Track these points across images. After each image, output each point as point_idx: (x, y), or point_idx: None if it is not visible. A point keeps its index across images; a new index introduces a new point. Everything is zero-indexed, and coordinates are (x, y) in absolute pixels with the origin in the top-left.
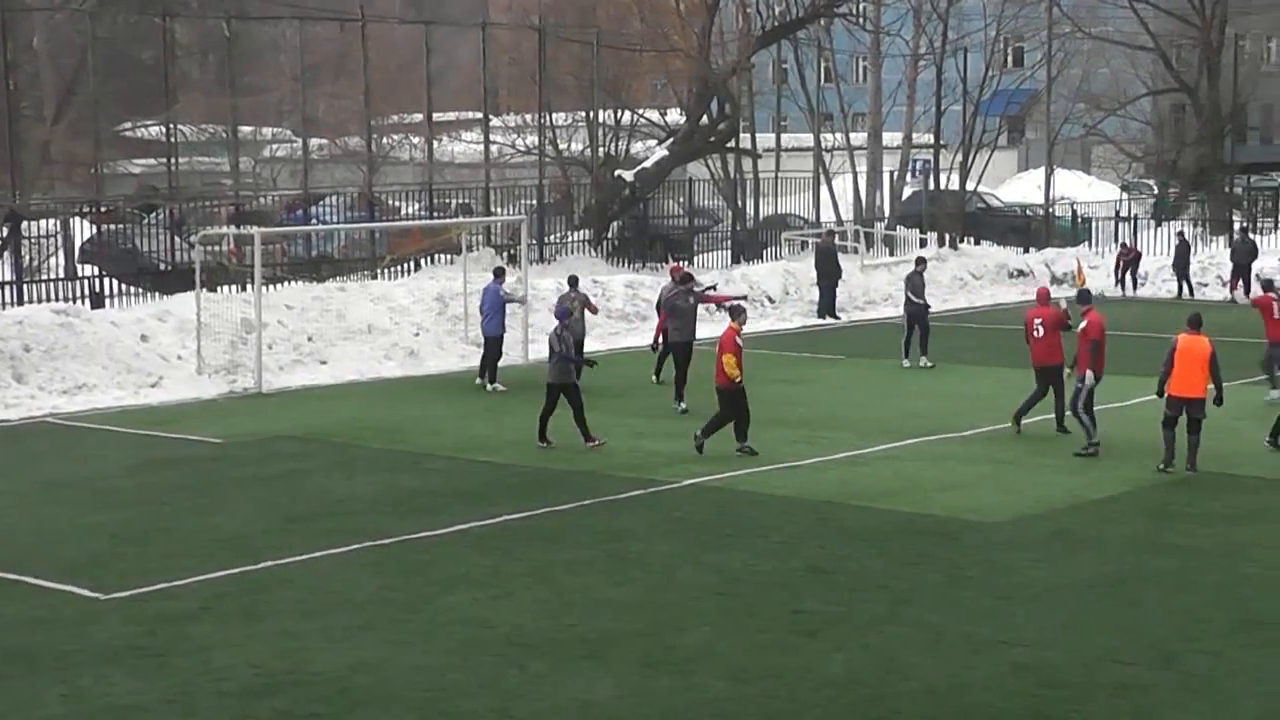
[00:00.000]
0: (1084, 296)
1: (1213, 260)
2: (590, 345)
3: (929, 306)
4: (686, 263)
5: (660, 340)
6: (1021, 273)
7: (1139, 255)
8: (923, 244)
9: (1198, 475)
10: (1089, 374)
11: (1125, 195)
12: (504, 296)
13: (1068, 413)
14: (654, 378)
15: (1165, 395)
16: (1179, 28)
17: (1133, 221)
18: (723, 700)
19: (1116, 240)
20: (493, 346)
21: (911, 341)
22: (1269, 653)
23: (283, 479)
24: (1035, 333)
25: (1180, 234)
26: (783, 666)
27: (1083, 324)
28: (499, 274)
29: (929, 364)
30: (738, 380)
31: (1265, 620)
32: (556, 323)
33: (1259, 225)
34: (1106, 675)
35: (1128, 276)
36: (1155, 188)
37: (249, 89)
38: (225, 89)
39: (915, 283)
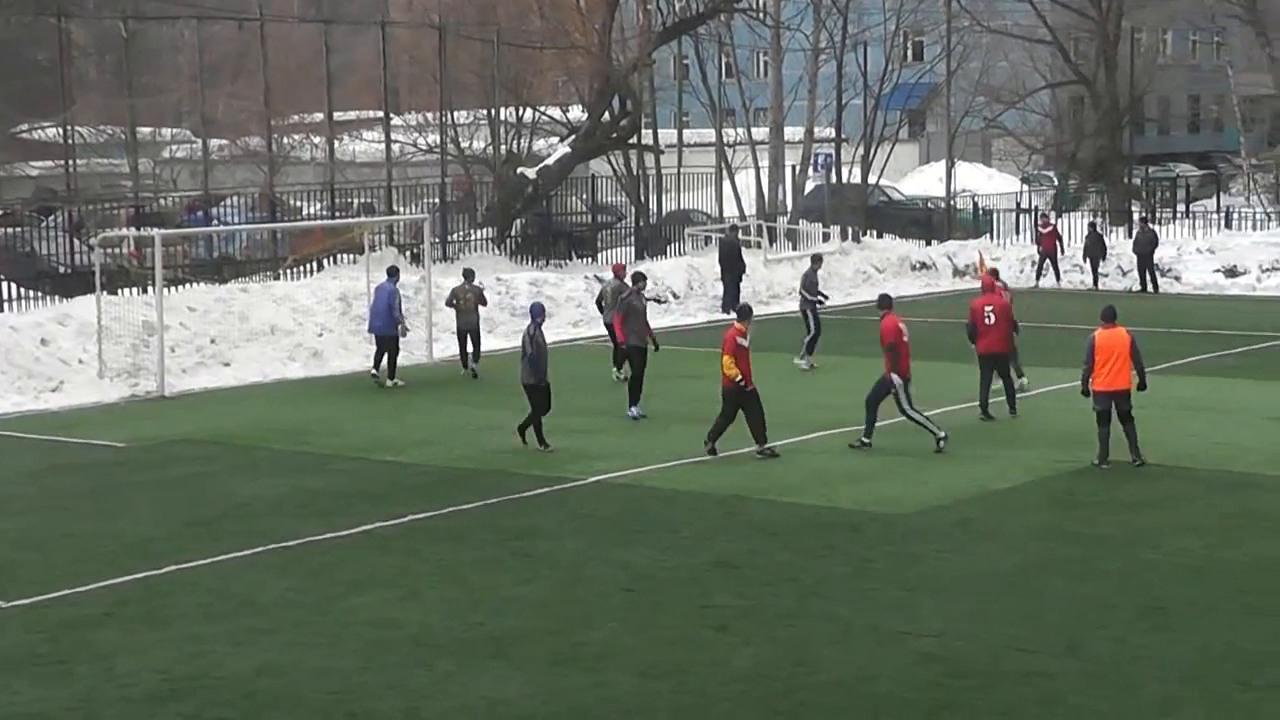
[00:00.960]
0: (883, 301)
1: (1113, 250)
2: (494, 343)
3: (824, 299)
4: (590, 260)
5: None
6: (924, 265)
7: (1059, 238)
8: (825, 238)
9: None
10: (894, 377)
11: (1026, 187)
12: (396, 317)
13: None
14: (616, 374)
15: (1091, 392)
16: (1076, 21)
17: (1033, 213)
18: (632, 696)
19: (1018, 233)
20: (383, 344)
21: (816, 340)
22: (1171, 638)
23: (186, 482)
24: (987, 320)
25: (1092, 225)
26: (691, 661)
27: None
28: (393, 274)
29: (806, 365)
30: (738, 380)
31: (1167, 606)
32: (529, 322)
33: (1159, 216)
34: (1012, 663)
35: (1047, 264)
36: (1055, 179)
37: (147, 90)
38: (123, 90)
39: (810, 280)
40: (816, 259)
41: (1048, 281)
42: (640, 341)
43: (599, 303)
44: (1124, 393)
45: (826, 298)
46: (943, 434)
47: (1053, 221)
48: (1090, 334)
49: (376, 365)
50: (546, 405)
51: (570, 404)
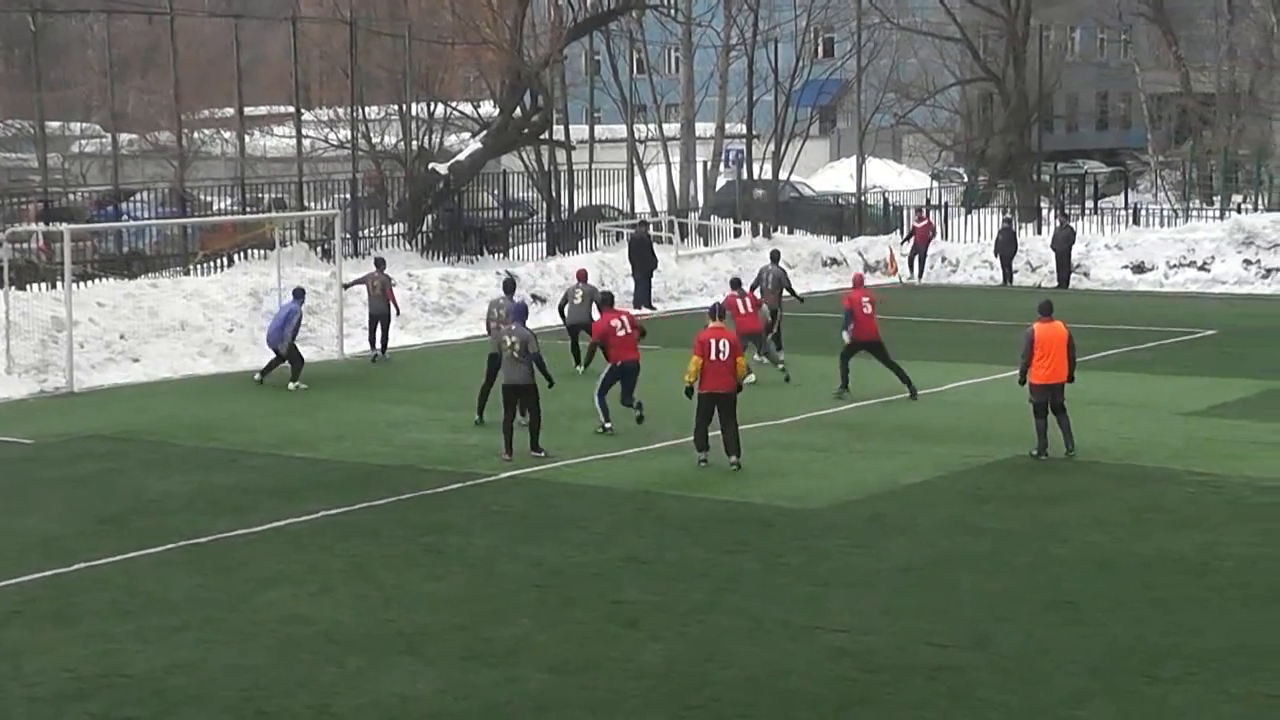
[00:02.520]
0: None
1: (1022, 246)
2: (406, 338)
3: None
4: (502, 255)
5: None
6: (835, 261)
7: (933, 231)
8: (737, 234)
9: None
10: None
11: (936, 183)
12: (284, 335)
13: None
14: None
15: (1029, 384)
16: (985, 18)
17: (943, 209)
18: (543, 692)
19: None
20: (279, 359)
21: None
22: (1079, 631)
23: (96, 479)
24: (865, 309)
25: (1007, 220)
26: (602, 657)
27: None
28: (299, 295)
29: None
30: (689, 383)
31: (1075, 600)
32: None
33: (1067, 212)
34: (922, 657)
35: (917, 259)
36: (965, 175)
37: (56, 84)
38: (31, 84)
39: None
40: (775, 255)
41: (910, 278)
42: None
43: (561, 310)
44: (1061, 386)
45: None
46: (606, 424)
47: (927, 216)
48: (1029, 327)
49: (266, 371)
50: (528, 409)
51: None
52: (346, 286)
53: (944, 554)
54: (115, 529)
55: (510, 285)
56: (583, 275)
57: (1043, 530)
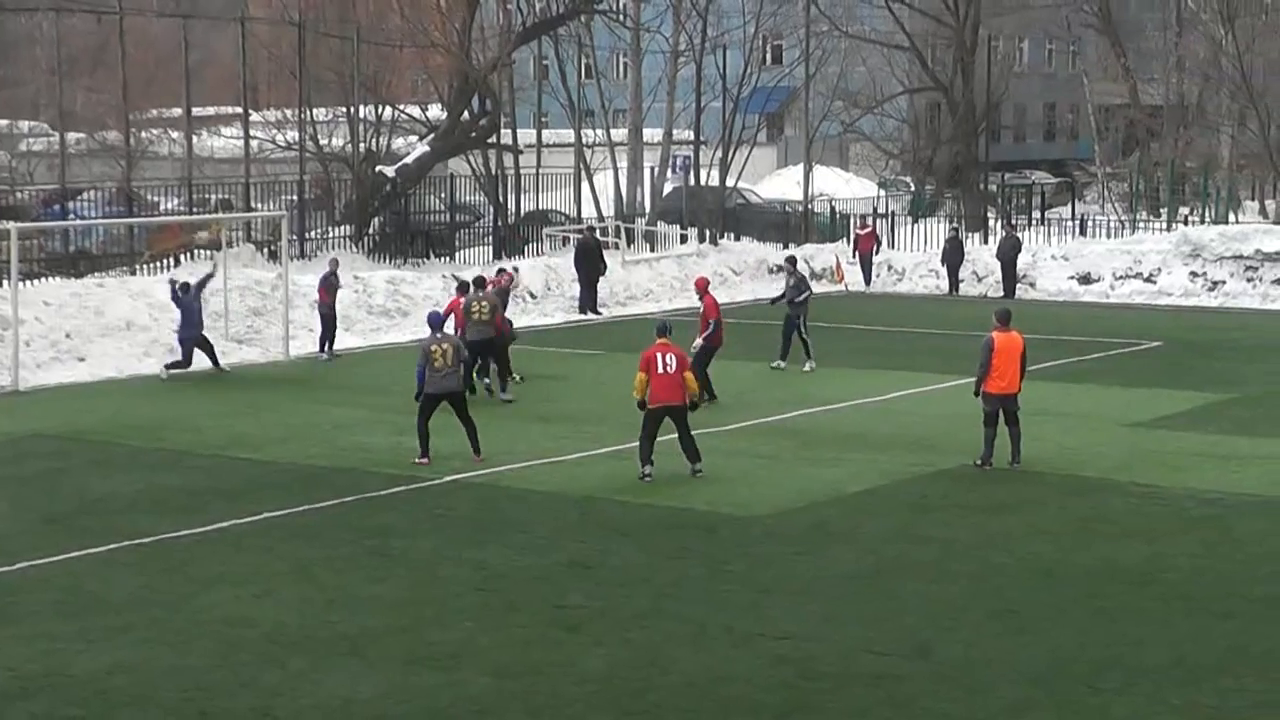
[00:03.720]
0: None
1: (969, 256)
2: (351, 340)
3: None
4: (449, 259)
5: None
6: (781, 268)
7: (877, 241)
8: (683, 240)
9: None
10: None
11: (883, 192)
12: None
13: None
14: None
15: (983, 393)
16: (934, 28)
17: (890, 218)
18: (485, 696)
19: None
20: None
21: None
22: (1021, 641)
23: (40, 478)
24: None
25: (955, 229)
26: (545, 662)
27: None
28: (185, 288)
29: (781, 365)
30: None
31: (1018, 609)
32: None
33: (1015, 222)
34: (864, 665)
35: (861, 268)
36: (912, 185)
37: (4, 82)
38: None
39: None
40: (791, 259)
41: (857, 286)
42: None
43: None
44: (1014, 395)
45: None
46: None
47: (870, 224)
48: (988, 336)
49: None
50: (460, 416)
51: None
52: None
53: (887, 562)
54: (59, 529)
55: (481, 282)
56: (481, 283)
57: (987, 540)
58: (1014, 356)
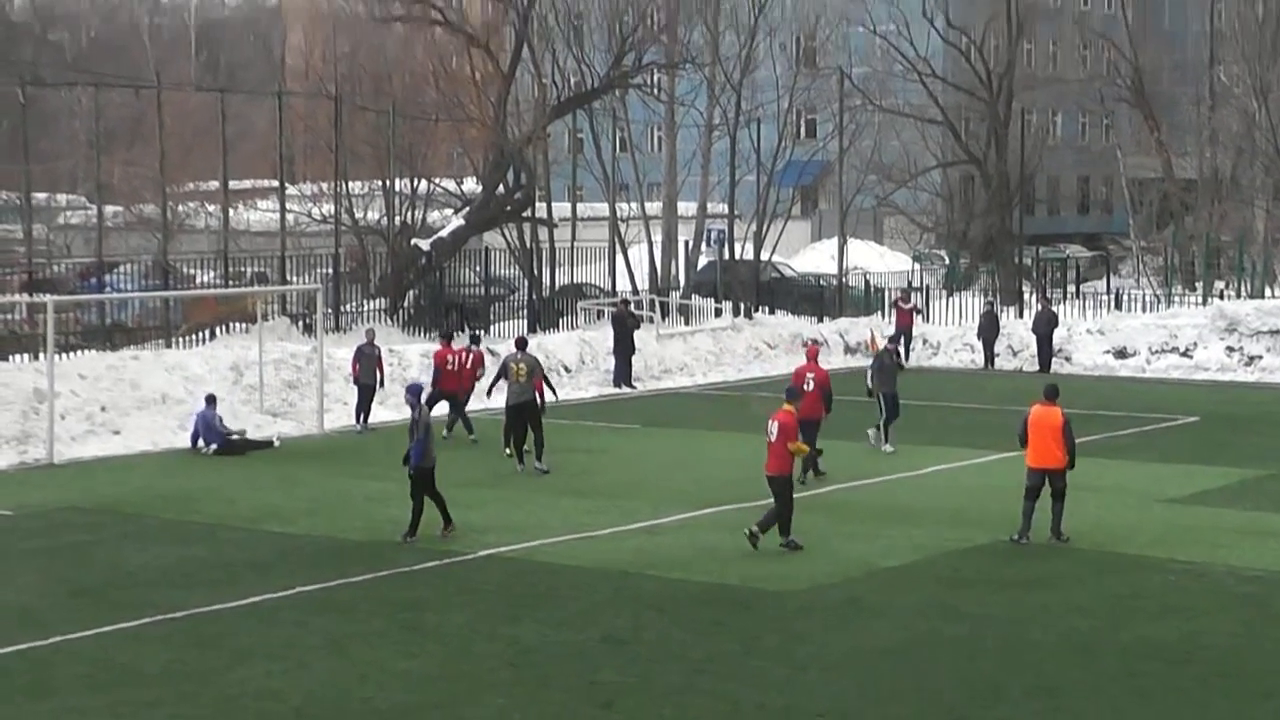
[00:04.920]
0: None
1: (1004, 330)
2: (385, 414)
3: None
4: (483, 332)
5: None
6: (816, 342)
7: (918, 313)
8: (718, 313)
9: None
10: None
11: (917, 265)
12: (220, 430)
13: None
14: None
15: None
16: (967, 101)
17: (924, 291)
18: None
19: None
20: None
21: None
22: (1058, 718)
23: (73, 551)
24: (806, 386)
25: (990, 303)
26: None
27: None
28: (211, 401)
29: (890, 448)
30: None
31: (1055, 686)
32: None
33: (1049, 295)
34: None
35: (902, 343)
36: (946, 258)
37: (43, 155)
38: (19, 155)
39: (884, 363)
40: (894, 339)
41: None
42: (521, 400)
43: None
44: (1057, 471)
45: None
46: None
47: (913, 299)
48: (1026, 410)
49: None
50: (430, 494)
51: (457, 476)
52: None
53: (922, 638)
54: (91, 601)
55: (522, 343)
56: (522, 344)
57: (1023, 615)
58: (1047, 431)
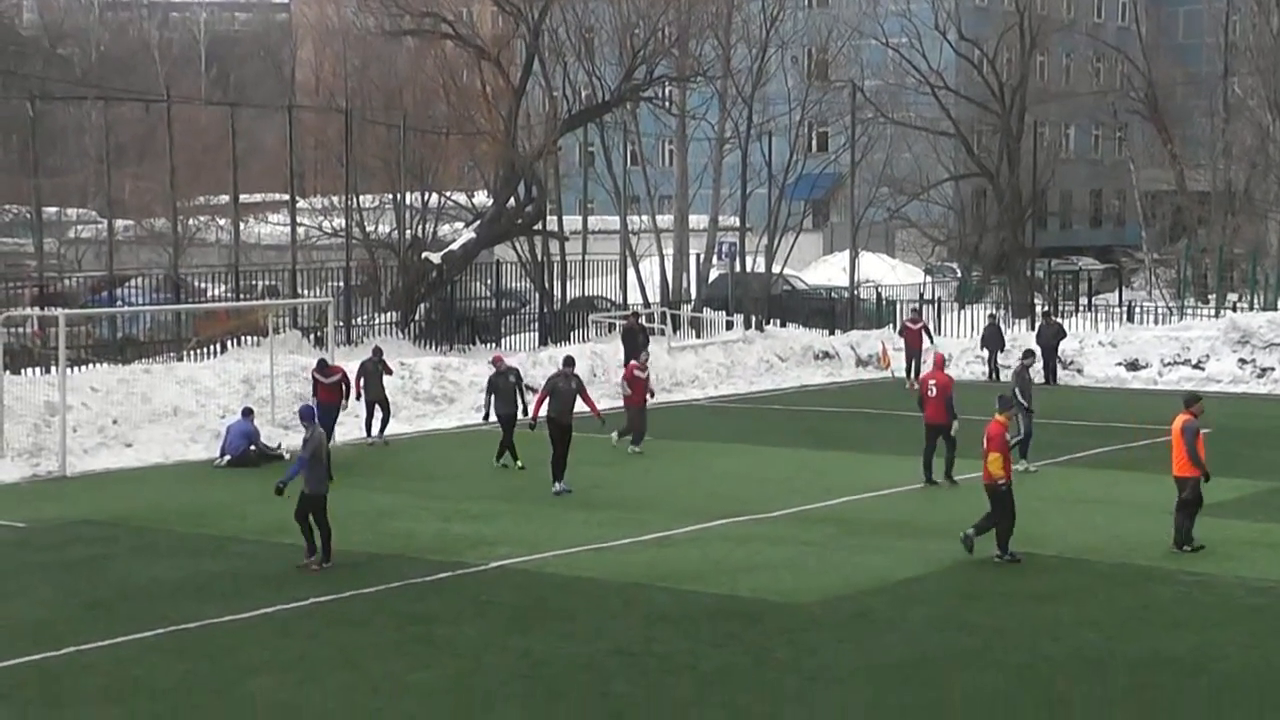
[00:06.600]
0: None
1: (1015, 343)
2: (397, 427)
3: (1030, 410)
4: (495, 345)
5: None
6: (827, 355)
7: (928, 333)
8: (729, 326)
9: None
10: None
11: (929, 278)
12: (260, 448)
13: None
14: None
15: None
16: (980, 114)
17: (936, 304)
18: None
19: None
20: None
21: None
22: None
23: (86, 564)
24: (929, 392)
25: (992, 315)
26: None
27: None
28: (248, 414)
29: (1032, 468)
30: (1000, 481)
31: (1066, 700)
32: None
33: (1061, 309)
34: None
35: (912, 363)
36: (958, 271)
37: (53, 170)
38: (29, 170)
39: (1023, 379)
40: (1028, 354)
41: (902, 373)
42: (564, 420)
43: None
44: (1178, 479)
45: (1031, 409)
46: None
47: (923, 318)
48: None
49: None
50: (318, 522)
51: (469, 489)
52: (359, 376)
53: (934, 651)
54: (105, 614)
55: (570, 360)
56: (570, 362)
57: (1035, 629)
58: (1172, 439)
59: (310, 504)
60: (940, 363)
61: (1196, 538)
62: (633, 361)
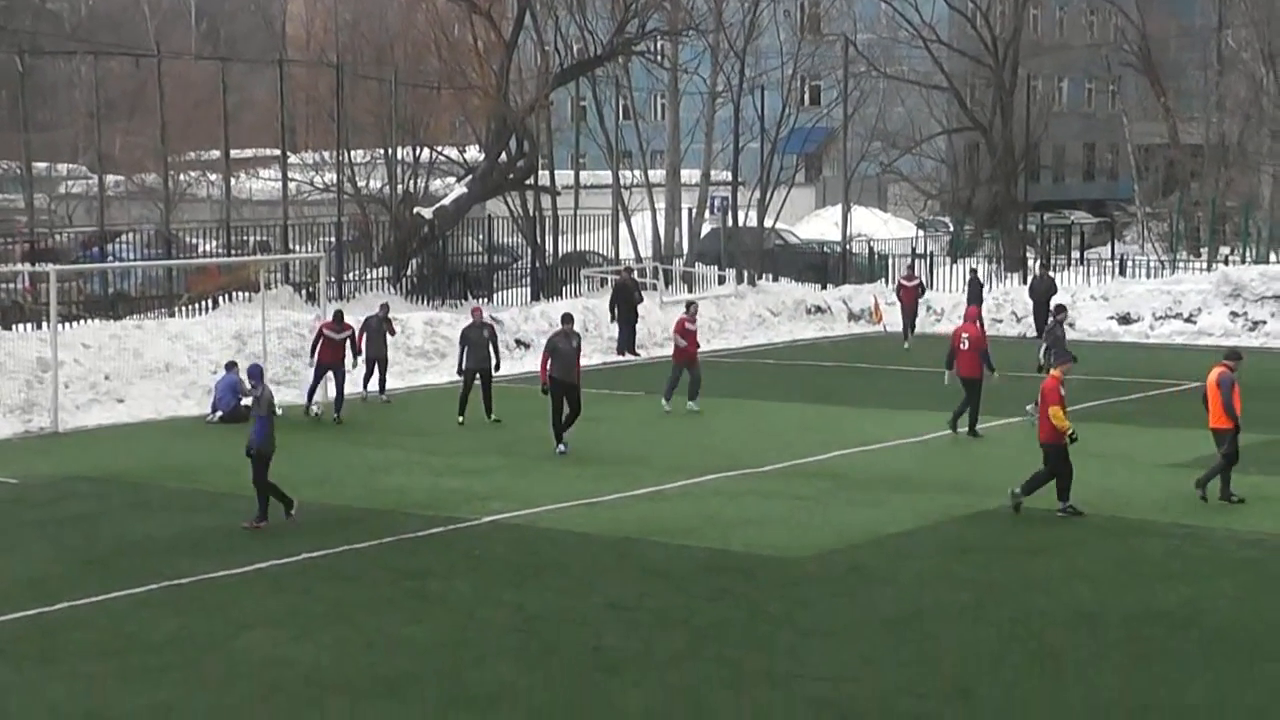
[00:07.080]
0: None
1: (1007, 296)
2: (390, 382)
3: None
4: (486, 300)
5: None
6: (819, 309)
7: (922, 290)
8: (721, 280)
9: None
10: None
11: (922, 232)
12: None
13: None
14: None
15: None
16: (973, 68)
17: (928, 258)
18: None
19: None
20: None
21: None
22: (1061, 684)
23: (79, 520)
24: (961, 345)
25: (974, 270)
26: (582, 704)
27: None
28: (231, 366)
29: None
30: (1070, 433)
31: (1057, 653)
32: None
33: (1053, 262)
34: (903, 708)
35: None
36: (951, 225)
37: (43, 125)
38: (18, 125)
39: (1057, 334)
40: (1060, 309)
41: (895, 328)
42: (567, 379)
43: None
44: (1213, 431)
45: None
46: None
47: (918, 274)
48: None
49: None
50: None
51: (462, 444)
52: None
53: (926, 605)
54: (98, 569)
55: (569, 318)
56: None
57: (1025, 582)
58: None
59: (260, 460)
60: (973, 315)
61: (1207, 493)
62: (683, 315)
